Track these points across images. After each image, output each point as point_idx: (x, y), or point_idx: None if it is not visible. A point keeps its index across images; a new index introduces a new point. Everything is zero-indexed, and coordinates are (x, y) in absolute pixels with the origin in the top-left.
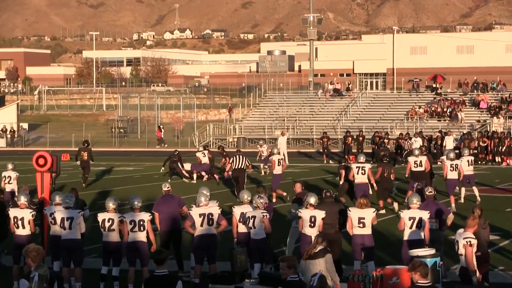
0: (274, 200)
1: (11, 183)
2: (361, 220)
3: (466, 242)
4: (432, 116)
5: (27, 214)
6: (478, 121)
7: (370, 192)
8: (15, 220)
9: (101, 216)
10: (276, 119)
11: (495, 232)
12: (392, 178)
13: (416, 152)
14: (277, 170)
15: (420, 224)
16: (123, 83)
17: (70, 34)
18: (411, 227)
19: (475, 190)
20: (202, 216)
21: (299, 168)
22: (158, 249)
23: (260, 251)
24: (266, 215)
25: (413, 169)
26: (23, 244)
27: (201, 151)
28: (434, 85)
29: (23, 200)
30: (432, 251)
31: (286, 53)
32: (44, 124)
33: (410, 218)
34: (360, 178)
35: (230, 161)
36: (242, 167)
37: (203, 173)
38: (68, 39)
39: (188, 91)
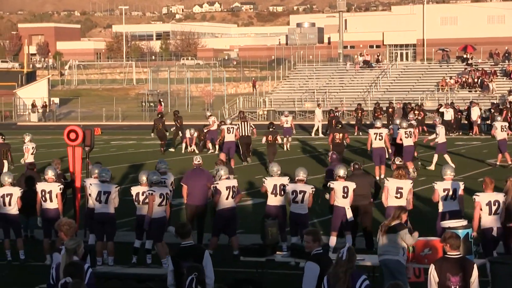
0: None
1: (34, 154)
2: (399, 190)
3: None
4: (463, 87)
5: (55, 188)
6: (510, 91)
7: (386, 156)
8: (43, 194)
9: (134, 190)
10: (306, 92)
11: None
12: (346, 142)
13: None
14: (228, 137)
15: (455, 195)
16: (153, 57)
17: (99, 8)
18: (445, 199)
19: (435, 158)
20: (228, 189)
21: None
22: (181, 222)
23: (302, 225)
24: (314, 191)
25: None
26: (51, 218)
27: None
28: (464, 56)
29: (50, 174)
30: (464, 222)
31: (315, 25)
32: (75, 98)
33: (444, 190)
34: (377, 144)
35: (236, 128)
36: (248, 134)
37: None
38: (98, 13)
39: (217, 64)
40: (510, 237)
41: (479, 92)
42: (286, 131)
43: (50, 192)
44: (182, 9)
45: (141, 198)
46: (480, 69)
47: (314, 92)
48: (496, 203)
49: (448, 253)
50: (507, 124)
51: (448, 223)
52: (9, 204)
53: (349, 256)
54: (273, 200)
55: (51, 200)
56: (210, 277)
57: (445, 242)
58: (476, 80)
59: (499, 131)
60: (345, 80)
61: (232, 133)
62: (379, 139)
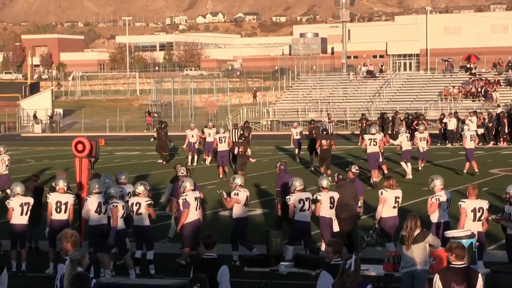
0: (221, 176)
1: (8, 166)
2: (397, 199)
3: None
4: (467, 97)
5: (70, 199)
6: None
7: (380, 159)
8: (58, 205)
9: (130, 201)
10: (309, 102)
11: None
12: (332, 149)
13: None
14: (221, 147)
15: (449, 205)
16: (156, 68)
17: (103, 19)
18: (444, 209)
19: (404, 165)
20: (196, 200)
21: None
22: (208, 233)
23: (307, 234)
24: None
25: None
26: (62, 229)
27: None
28: (468, 65)
29: (61, 185)
30: (468, 232)
31: (318, 36)
32: (79, 109)
33: (447, 200)
34: (371, 148)
35: (228, 137)
36: (237, 140)
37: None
38: (101, 24)
39: (221, 75)
40: None
41: (483, 101)
42: (296, 143)
43: (66, 203)
44: (186, 20)
45: (134, 208)
46: (484, 78)
47: (317, 102)
48: (481, 210)
49: (452, 263)
50: (475, 133)
51: (452, 233)
52: (26, 214)
53: (355, 267)
54: (243, 212)
55: (65, 211)
56: None
57: (451, 252)
58: (479, 89)
59: (468, 141)
60: (349, 90)
61: (224, 142)
62: (374, 144)
